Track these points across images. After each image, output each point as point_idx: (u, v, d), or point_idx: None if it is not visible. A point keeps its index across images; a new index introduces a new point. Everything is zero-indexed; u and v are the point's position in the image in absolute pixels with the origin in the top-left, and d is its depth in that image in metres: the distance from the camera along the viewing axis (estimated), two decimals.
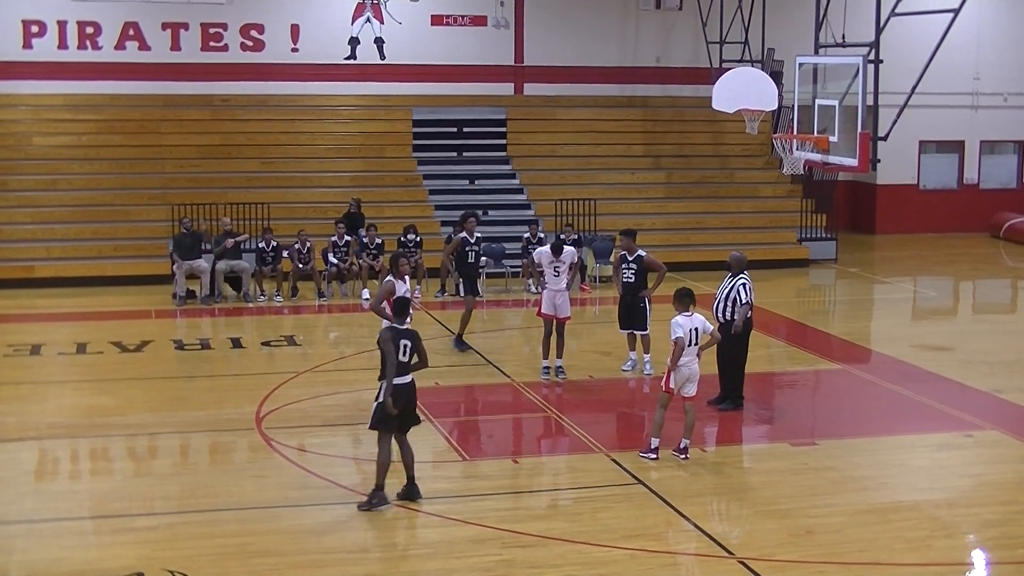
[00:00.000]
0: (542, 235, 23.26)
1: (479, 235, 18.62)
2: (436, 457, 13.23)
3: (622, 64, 30.33)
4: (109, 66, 27.55)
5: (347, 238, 22.95)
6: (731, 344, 14.57)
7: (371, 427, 11.64)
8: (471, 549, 10.71)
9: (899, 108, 22.53)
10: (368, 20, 28.84)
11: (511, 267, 23.69)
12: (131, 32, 27.65)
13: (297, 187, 26.73)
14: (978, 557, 10.91)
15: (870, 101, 21.45)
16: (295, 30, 28.53)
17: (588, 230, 25.42)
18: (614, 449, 13.49)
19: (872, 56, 21.62)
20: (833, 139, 21.60)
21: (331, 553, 10.63)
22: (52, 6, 27.27)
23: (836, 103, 21.71)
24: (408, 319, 11.91)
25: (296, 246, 22.57)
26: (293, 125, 27.91)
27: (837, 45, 22.85)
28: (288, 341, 19.31)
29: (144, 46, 27.72)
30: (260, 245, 22.69)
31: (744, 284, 14.73)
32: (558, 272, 16.54)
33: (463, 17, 29.39)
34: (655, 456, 12.99)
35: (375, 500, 11.49)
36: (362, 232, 23.40)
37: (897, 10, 22.41)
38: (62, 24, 27.32)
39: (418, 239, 23.26)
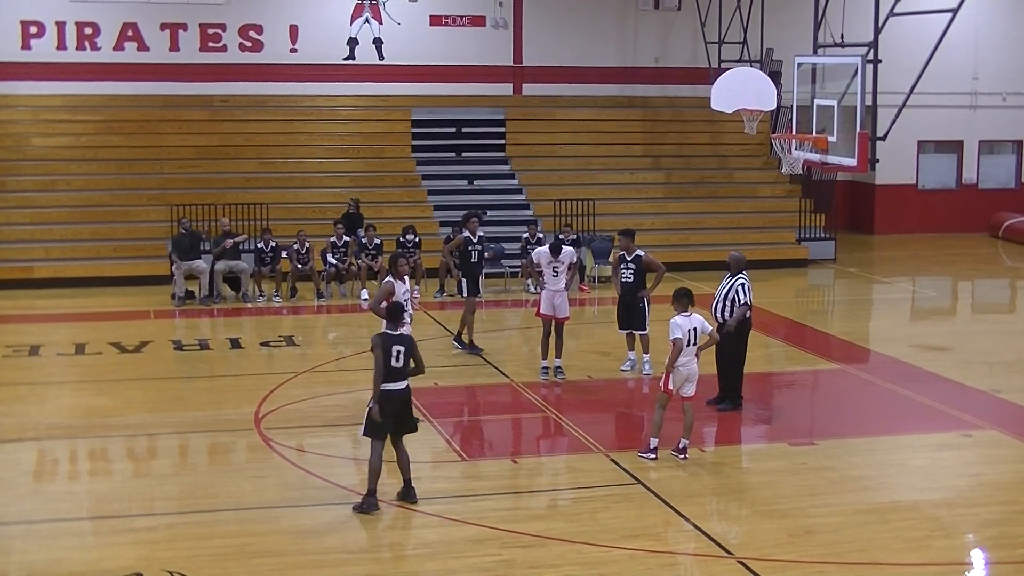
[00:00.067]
0: (541, 235, 23.25)
1: (482, 234, 18.62)
2: (435, 457, 13.24)
3: (621, 64, 30.34)
4: (108, 67, 27.55)
5: (346, 238, 22.94)
6: (730, 344, 14.57)
7: (363, 434, 11.64)
8: (470, 549, 10.71)
9: (898, 108, 22.53)
10: (367, 20, 28.85)
11: (510, 267, 23.69)
12: (130, 33, 27.64)
13: (296, 187, 26.74)
14: (977, 557, 10.91)
15: (869, 101, 21.45)
16: (294, 31, 28.53)
17: (587, 230, 25.43)
18: (613, 449, 13.49)
19: (871, 56, 21.63)
20: (832, 139, 21.61)
21: (331, 553, 10.63)
22: (51, 7, 27.27)
23: (835, 103, 21.72)
24: (404, 325, 11.89)
25: (295, 246, 22.57)
26: (292, 126, 27.92)
27: (836, 45, 22.86)
28: (287, 341, 19.30)
29: (143, 47, 27.72)
30: (259, 245, 22.69)
31: (743, 284, 14.73)
32: (557, 272, 16.54)
33: (462, 17, 29.39)
34: (654, 456, 12.99)
35: (365, 505, 11.48)
36: (361, 232, 23.40)
37: (896, 10, 22.43)
38: (61, 25, 27.32)
39: (417, 239, 23.26)
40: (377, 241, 23.06)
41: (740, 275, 14.80)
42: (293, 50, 28.53)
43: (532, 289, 21.94)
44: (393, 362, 11.41)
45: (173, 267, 21.93)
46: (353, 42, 28.79)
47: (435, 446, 13.62)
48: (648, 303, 16.46)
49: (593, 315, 21.93)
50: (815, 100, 22.48)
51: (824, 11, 23.50)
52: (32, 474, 12.94)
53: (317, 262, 22.72)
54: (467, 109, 29.00)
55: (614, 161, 28.66)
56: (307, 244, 22.65)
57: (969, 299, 25.82)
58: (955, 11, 21.53)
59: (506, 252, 23.67)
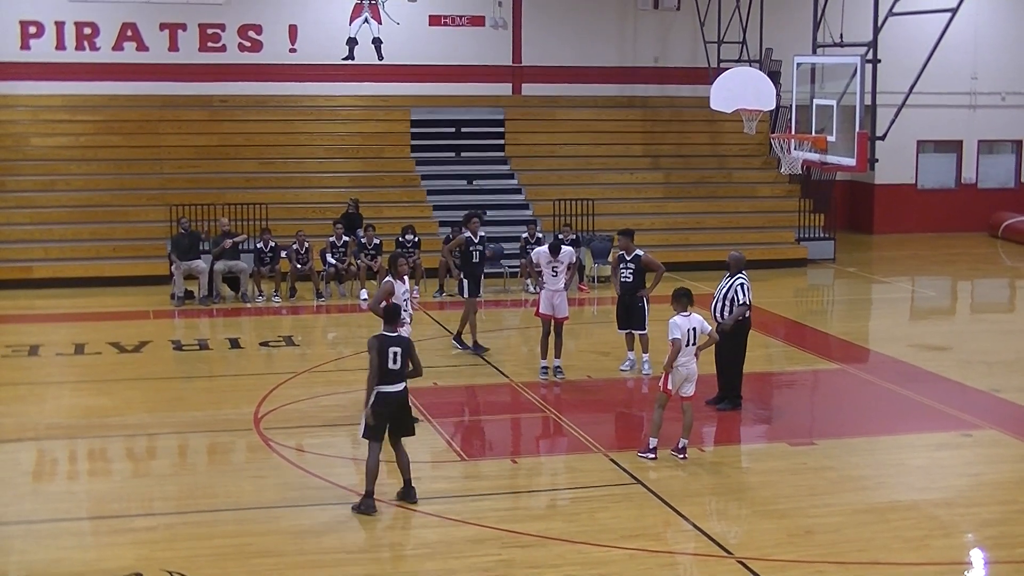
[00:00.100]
0: (540, 235, 23.26)
1: (483, 235, 18.62)
2: (435, 457, 13.24)
3: (620, 64, 30.33)
4: (107, 67, 27.53)
5: (345, 238, 22.94)
6: (729, 344, 14.57)
7: (362, 436, 11.63)
8: (470, 549, 10.71)
9: (897, 108, 22.54)
10: (366, 20, 28.84)
11: (509, 267, 23.69)
12: (129, 33, 27.63)
13: (295, 187, 26.73)
14: (976, 556, 10.92)
15: (868, 101, 21.46)
16: (293, 31, 28.52)
17: (586, 230, 25.43)
18: (612, 449, 13.49)
19: (870, 56, 21.64)
20: (831, 139, 21.62)
21: (330, 553, 10.63)
22: (50, 7, 27.25)
23: (834, 103, 21.73)
24: (402, 326, 11.87)
25: (294, 246, 22.57)
26: (291, 126, 27.91)
27: (835, 45, 22.86)
28: (286, 341, 19.30)
29: (142, 47, 27.70)
30: (258, 245, 22.69)
31: (742, 284, 14.73)
32: (556, 272, 16.54)
33: (461, 17, 29.39)
34: (653, 456, 12.99)
35: (363, 507, 11.47)
36: (360, 232, 23.40)
37: (895, 10, 22.44)
38: (60, 25, 27.30)
39: (416, 239, 23.25)
40: (376, 241, 23.05)
41: (740, 275, 14.80)
42: (292, 50, 28.53)
43: (531, 289, 21.93)
44: (390, 364, 11.39)
45: (172, 267, 21.93)
46: (352, 42, 28.78)
47: (435, 446, 13.61)
48: (647, 303, 16.46)
49: (592, 315, 21.93)
50: (814, 100, 22.49)
51: (823, 11, 23.51)
52: (31, 474, 12.94)
53: (316, 262, 22.72)
54: (466, 109, 28.99)
55: (614, 161, 28.66)
56: (306, 244, 22.65)
57: (968, 299, 25.82)
58: (954, 11, 21.53)
59: (505, 252, 23.66)
